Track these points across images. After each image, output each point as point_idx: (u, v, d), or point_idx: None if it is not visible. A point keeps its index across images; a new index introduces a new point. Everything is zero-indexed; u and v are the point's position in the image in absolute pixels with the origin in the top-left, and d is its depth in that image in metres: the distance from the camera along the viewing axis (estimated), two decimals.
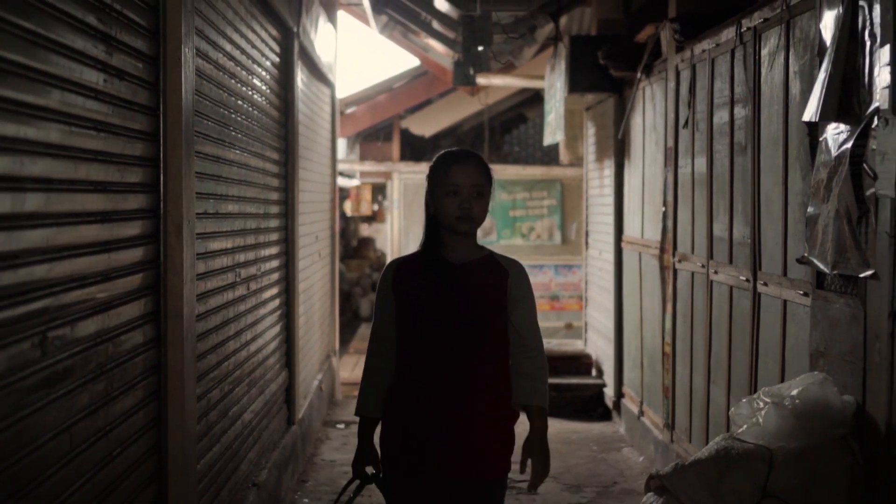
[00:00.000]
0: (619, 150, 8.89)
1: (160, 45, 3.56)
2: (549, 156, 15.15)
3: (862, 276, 3.85)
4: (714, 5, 6.47)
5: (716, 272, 5.92)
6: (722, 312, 5.82)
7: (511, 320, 3.52)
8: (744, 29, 5.39)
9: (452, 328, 3.43)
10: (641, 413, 7.98)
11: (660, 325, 7.37)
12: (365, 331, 15.81)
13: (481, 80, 10.77)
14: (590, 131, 10.38)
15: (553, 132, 9.88)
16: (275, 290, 6.26)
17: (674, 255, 6.90)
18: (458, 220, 3.43)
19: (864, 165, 3.85)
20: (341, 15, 10.99)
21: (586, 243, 10.80)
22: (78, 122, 2.74)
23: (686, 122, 6.56)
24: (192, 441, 3.88)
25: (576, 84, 8.78)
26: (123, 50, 3.16)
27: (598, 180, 9.92)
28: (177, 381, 3.67)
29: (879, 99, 3.75)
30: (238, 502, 4.93)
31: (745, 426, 4.06)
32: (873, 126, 3.79)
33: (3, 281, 2.26)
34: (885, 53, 3.72)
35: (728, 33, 5.67)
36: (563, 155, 11.40)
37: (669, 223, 7.02)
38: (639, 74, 7.90)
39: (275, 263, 6.27)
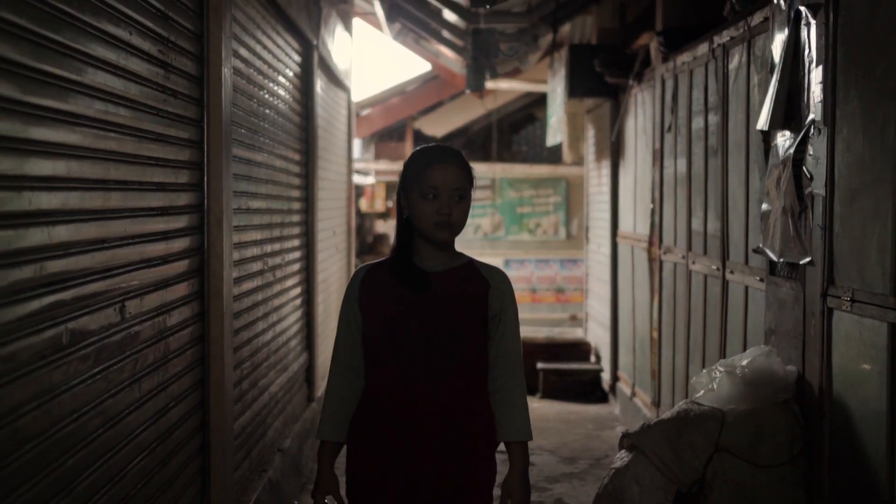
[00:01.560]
0: (614, 151, 9.55)
1: (204, 67, 4.24)
2: (554, 155, 15.79)
3: (801, 262, 4.50)
4: (696, 20, 7.11)
5: (693, 262, 6.58)
6: (698, 299, 6.48)
7: (491, 337, 3.16)
8: (715, 45, 6.04)
9: (425, 344, 3.06)
10: (633, 394, 8.64)
11: (648, 312, 8.03)
12: None
13: (489, 84, 11.43)
14: (590, 133, 11.04)
15: (555, 134, 10.54)
16: (296, 279, 6.94)
17: (660, 248, 7.56)
18: (436, 227, 3.05)
19: (804, 168, 4.50)
20: (357, 22, 11.66)
21: (587, 238, 11.47)
22: (145, 135, 3.42)
23: (669, 127, 7.21)
24: (230, 403, 4.56)
25: (575, 89, 9.44)
26: (177, 73, 3.84)
27: (597, 179, 10.58)
28: (217, 349, 4.35)
29: (815, 111, 4.40)
30: (266, 463, 5.61)
31: (702, 392, 4.72)
32: (810, 134, 4.44)
33: (95, 261, 2.94)
34: (818, 73, 4.38)
35: (703, 48, 6.32)
36: (566, 155, 12.06)
37: (656, 219, 7.67)
38: (630, 81, 8.56)
39: (296, 255, 6.95)
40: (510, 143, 17.69)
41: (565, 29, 10.73)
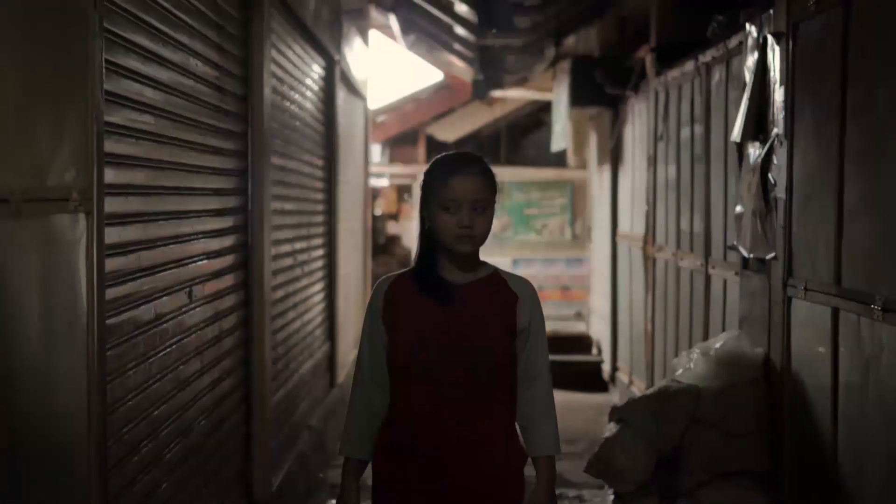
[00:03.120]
0: (613, 156, 10.22)
1: (248, 88, 4.92)
2: (561, 158, 16.44)
3: (767, 258, 5.16)
4: (686, 37, 7.76)
5: (682, 259, 7.24)
6: (685, 292, 7.14)
7: (519, 351, 2.99)
8: (699, 63, 6.70)
9: (452, 360, 2.90)
10: (630, 382, 9.30)
11: (643, 306, 8.68)
12: None
13: (497, 93, 12.10)
14: (592, 139, 11.70)
15: (558, 140, 11.21)
16: (320, 275, 7.61)
17: (654, 247, 8.21)
18: (457, 241, 2.90)
19: (769, 175, 5.16)
20: (374, 33, 12.34)
21: (590, 237, 12.13)
22: (207, 149, 4.10)
23: (661, 135, 7.87)
24: (268, 380, 5.23)
25: (577, 99, 10.12)
26: (229, 95, 4.52)
27: (599, 182, 11.25)
28: (259, 332, 5.03)
29: (778, 126, 5.06)
30: (296, 436, 6.29)
31: (681, 370, 5.38)
32: (775, 146, 5.10)
33: (173, 253, 3.62)
34: (781, 93, 5.04)
35: (689, 65, 6.98)
36: (571, 159, 12.73)
37: (650, 220, 8.33)
38: (628, 92, 9.22)
39: (320, 252, 7.62)
40: (518, 146, 18.34)
41: (570, 41, 11.38)
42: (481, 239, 2.95)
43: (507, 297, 2.99)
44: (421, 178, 2.99)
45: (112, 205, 2.87)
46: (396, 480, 2.98)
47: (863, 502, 4.10)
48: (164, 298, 3.51)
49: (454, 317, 2.94)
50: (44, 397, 2.37)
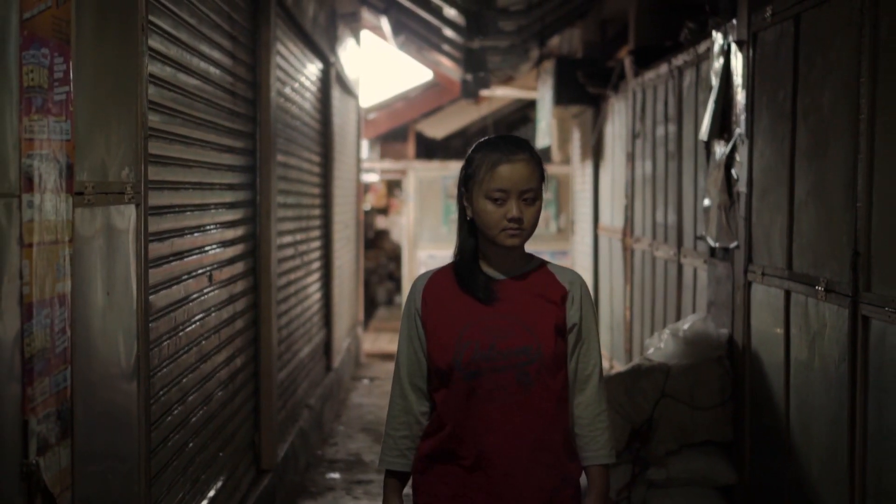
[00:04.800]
0: (595, 153, 10.71)
1: (256, 91, 5.38)
2: (545, 155, 16.96)
3: (731, 246, 5.65)
4: (663, 39, 8.24)
5: (657, 250, 7.73)
6: (660, 280, 7.63)
7: (570, 351, 2.77)
8: (673, 66, 7.18)
9: (498, 363, 2.68)
10: (611, 367, 9.79)
11: (623, 295, 9.18)
12: (383, 313, 17.52)
13: (484, 92, 12.59)
14: (575, 136, 12.20)
15: (543, 136, 11.70)
16: (318, 265, 8.09)
17: (632, 238, 8.71)
18: (505, 235, 2.68)
19: (733, 171, 5.65)
20: (365, 33, 12.80)
21: (573, 230, 12.64)
22: (224, 148, 4.57)
23: (638, 133, 8.36)
24: (274, 359, 5.70)
25: (560, 97, 10.60)
26: (240, 98, 4.99)
27: (581, 177, 11.75)
28: (266, 315, 5.50)
29: (740, 126, 5.55)
30: (297, 414, 6.77)
31: (652, 350, 5.87)
32: (738, 144, 5.59)
33: (197, 241, 4.09)
34: (743, 95, 5.53)
35: (664, 68, 7.47)
36: (555, 155, 13.22)
37: (629, 213, 8.82)
38: (609, 92, 9.71)
39: (317, 244, 8.10)
40: None
41: (554, 41, 11.87)
42: (530, 232, 2.73)
43: (555, 292, 2.76)
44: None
45: (152, 198, 3.34)
46: (439, 497, 2.75)
47: (809, 462, 4.60)
48: (190, 281, 3.98)
49: (498, 315, 2.72)
50: (109, 359, 2.84)
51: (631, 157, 8.71)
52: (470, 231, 2.76)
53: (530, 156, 2.71)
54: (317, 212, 8.12)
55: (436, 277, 2.81)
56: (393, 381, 2.86)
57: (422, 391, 2.79)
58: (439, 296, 2.76)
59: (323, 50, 7.94)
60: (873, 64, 3.91)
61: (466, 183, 2.73)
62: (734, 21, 5.66)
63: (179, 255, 3.81)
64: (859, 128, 3.99)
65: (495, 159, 2.67)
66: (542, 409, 2.69)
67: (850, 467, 4.11)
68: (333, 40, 8.77)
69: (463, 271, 2.75)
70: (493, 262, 2.75)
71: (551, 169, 15.78)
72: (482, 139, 2.79)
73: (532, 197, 2.68)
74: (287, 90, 6.45)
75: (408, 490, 2.83)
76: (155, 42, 3.41)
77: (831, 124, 4.35)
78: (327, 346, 8.63)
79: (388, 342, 13.41)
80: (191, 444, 3.98)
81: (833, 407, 4.30)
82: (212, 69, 4.31)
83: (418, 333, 2.78)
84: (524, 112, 19.03)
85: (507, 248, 2.71)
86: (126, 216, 2.97)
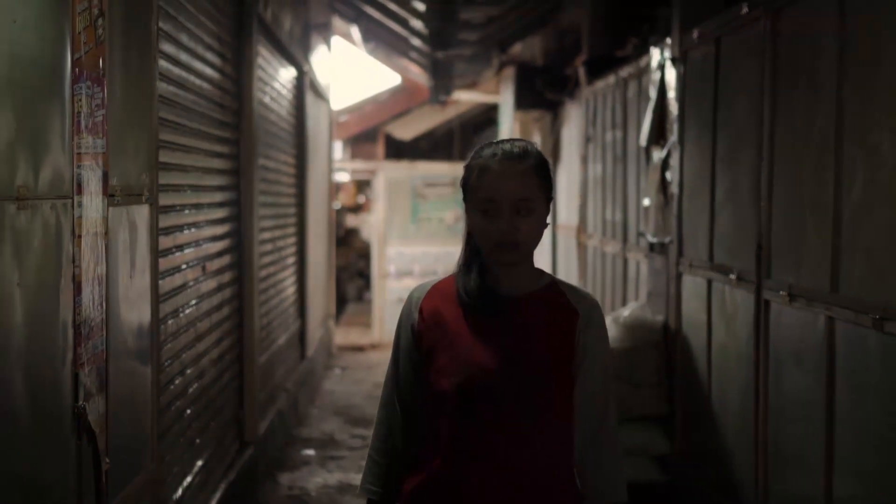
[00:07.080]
0: (554, 155, 11.38)
1: (240, 102, 6.00)
2: None
3: (666, 242, 6.32)
4: (614, 49, 8.90)
5: (606, 245, 8.40)
6: (609, 274, 8.31)
7: (578, 378, 2.49)
8: (619, 77, 7.86)
9: (502, 390, 2.45)
10: None
11: None
12: (353, 309, 18.09)
13: (450, 97, 13.26)
14: (537, 138, 12.85)
15: None
16: (293, 260, 8.71)
17: (585, 235, 9.38)
18: (497, 250, 2.44)
19: (667, 174, 6.33)
20: (337, 40, 13.42)
21: None
22: (214, 154, 5.19)
23: (590, 138, 9.04)
24: (257, 343, 6.32)
25: (521, 103, 11.27)
26: (227, 109, 5.61)
27: None
28: (249, 303, 6.11)
29: (674, 134, 6.23)
30: (276, 396, 7.39)
31: None
32: (672, 150, 6.26)
33: (193, 236, 4.72)
34: (676, 107, 6.20)
35: (612, 78, 8.14)
36: None
37: (583, 211, 9.49)
38: (566, 98, 10.39)
39: (293, 240, 8.71)
40: (471, 143, 19.48)
41: (515, 48, 12.53)
42: (527, 247, 2.46)
43: (564, 313, 2.50)
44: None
45: (161, 199, 3.96)
46: None
47: (726, 431, 5.28)
48: (188, 270, 4.60)
49: (503, 336, 2.47)
50: (132, 330, 3.46)
51: (584, 160, 9.38)
52: (473, 246, 2.52)
53: (525, 162, 2.43)
54: (292, 210, 8.73)
55: (435, 291, 2.56)
56: (381, 400, 2.62)
57: (411, 411, 2.55)
58: (438, 311, 2.52)
59: (297, 59, 8.56)
60: (773, 84, 4.59)
61: (465, 191, 2.51)
62: (668, 39, 6.33)
63: (180, 247, 4.43)
64: (762, 138, 4.67)
65: (483, 164, 2.45)
66: (549, 442, 2.46)
67: (755, 435, 4.79)
68: (307, 49, 9.38)
69: (464, 287, 2.51)
70: (497, 279, 2.49)
71: None
72: (480, 144, 2.55)
73: (528, 208, 2.41)
74: (266, 99, 7.07)
75: None
76: (162, 66, 4.03)
77: (742, 134, 5.02)
78: (302, 336, 9.24)
79: (358, 336, 14.03)
80: (188, 412, 4.60)
81: (743, 381, 4.98)
82: (205, 85, 4.93)
83: (411, 352, 2.54)
84: (489, 114, 19.65)
85: (502, 265, 2.47)
86: (143, 214, 3.59)
